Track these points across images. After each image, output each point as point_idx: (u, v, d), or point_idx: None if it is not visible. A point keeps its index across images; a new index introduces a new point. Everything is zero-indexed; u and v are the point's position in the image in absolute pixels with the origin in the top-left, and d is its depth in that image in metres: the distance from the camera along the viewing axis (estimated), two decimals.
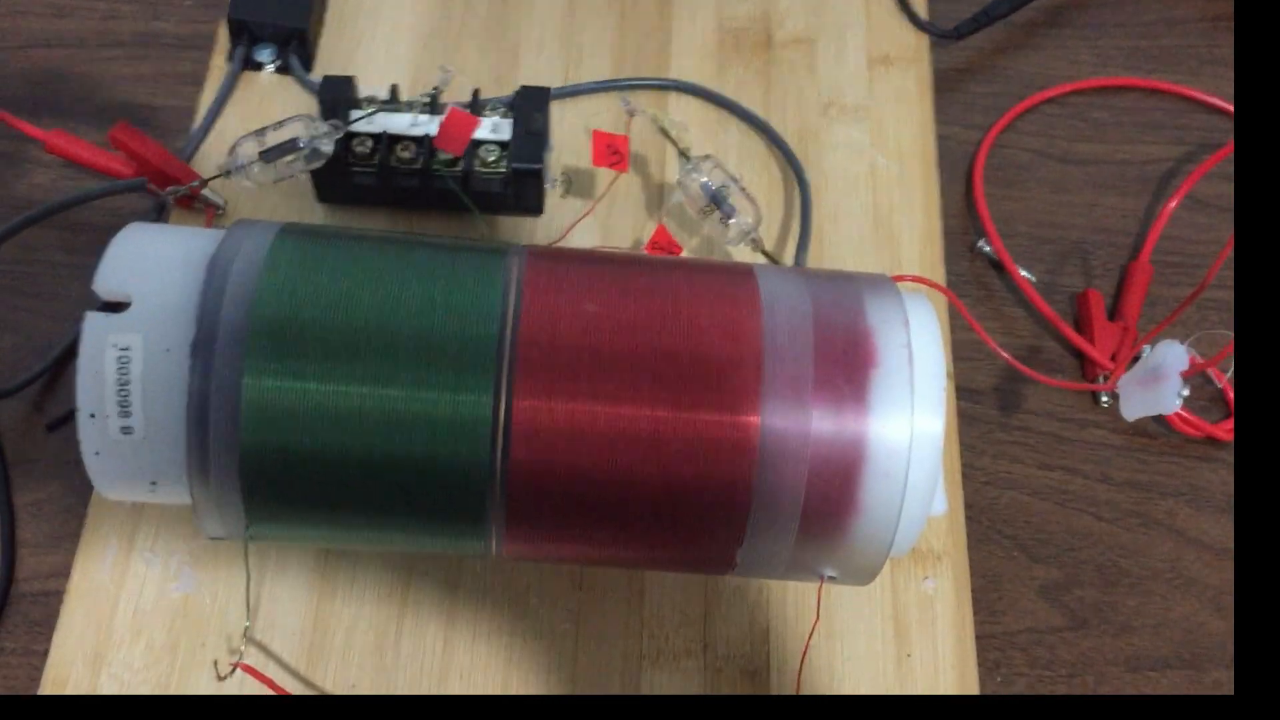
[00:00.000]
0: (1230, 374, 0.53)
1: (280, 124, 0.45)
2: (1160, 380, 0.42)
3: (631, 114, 0.49)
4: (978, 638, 0.47)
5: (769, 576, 0.40)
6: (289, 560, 0.45)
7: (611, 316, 0.37)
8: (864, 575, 0.39)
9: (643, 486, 0.36)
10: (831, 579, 0.39)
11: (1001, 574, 0.49)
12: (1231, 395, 0.53)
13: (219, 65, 0.55)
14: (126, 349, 0.35)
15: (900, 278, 0.44)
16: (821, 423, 0.36)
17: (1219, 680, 0.48)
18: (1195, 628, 0.49)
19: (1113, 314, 0.55)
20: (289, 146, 0.44)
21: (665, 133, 0.50)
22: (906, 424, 0.37)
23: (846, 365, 0.37)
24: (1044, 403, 0.53)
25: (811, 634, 0.45)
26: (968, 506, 0.50)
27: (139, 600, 0.43)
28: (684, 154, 0.49)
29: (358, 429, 0.35)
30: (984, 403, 0.53)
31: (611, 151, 0.46)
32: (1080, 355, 0.54)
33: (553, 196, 0.53)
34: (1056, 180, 0.59)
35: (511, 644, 0.44)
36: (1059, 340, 0.55)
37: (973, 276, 0.56)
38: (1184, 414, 0.52)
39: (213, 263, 0.36)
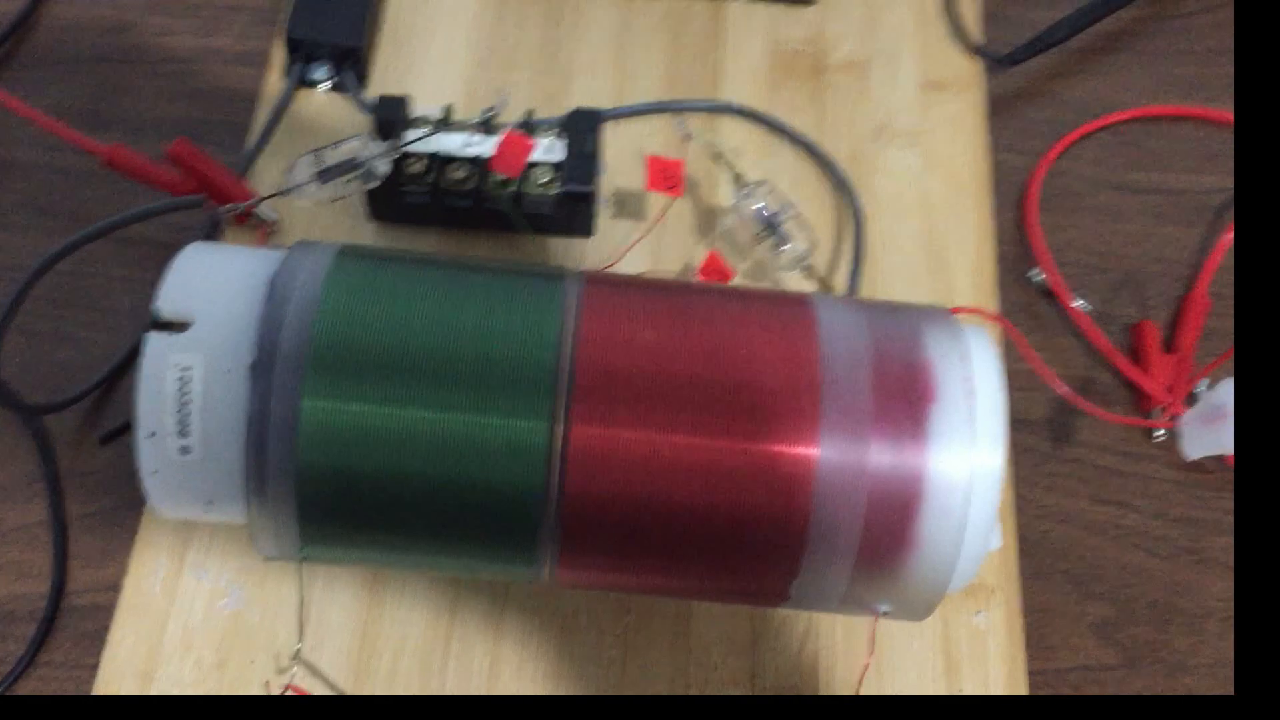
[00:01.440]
0: None
1: (338, 144, 0.45)
2: (1222, 419, 0.41)
3: (687, 138, 0.49)
4: (1029, 674, 0.46)
5: (822, 610, 0.39)
6: (337, 579, 0.45)
7: (669, 344, 0.37)
8: (920, 611, 0.39)
9: (698, 517, 0.36)
10: (886, 614, 0.39)
11: (1053, 609, 0.49)
12: None
13: (274, 82, 0.55)
14: (188, 369, 0.35)
15: (958, 310, 0.43)
16: (880, 456, 0.36)
17: None
18: None
19: (1168, 346, 0.54)
20: (346, 166, 0.44)
21: (721, 157, 0.49)
22: (967, 460, 0.36)
23: (906, 399, 0.37)
24: (1097, 435, 0.52)
25: (864, 672, 0.44)
26: (1020, 540, 0.49)
27: (189, 616, 0.43)
28: (738, 179, 0.49)
29: (413, 453, 0.35)
30: (1036, 434, 0.52)
31: (666, 176, 0.46)
32: (1134, 388, 0.53)
33: (603, 218, 0.53)
34: (1111, 208, 0.59)
35: (559, 669, 0.44)
36: (1112, 372, 0.54)
37: (1025, 305, 0.56)
38: None
39: (273, 284, 0.36)
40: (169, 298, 0.36)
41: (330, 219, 0.52)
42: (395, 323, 0.36)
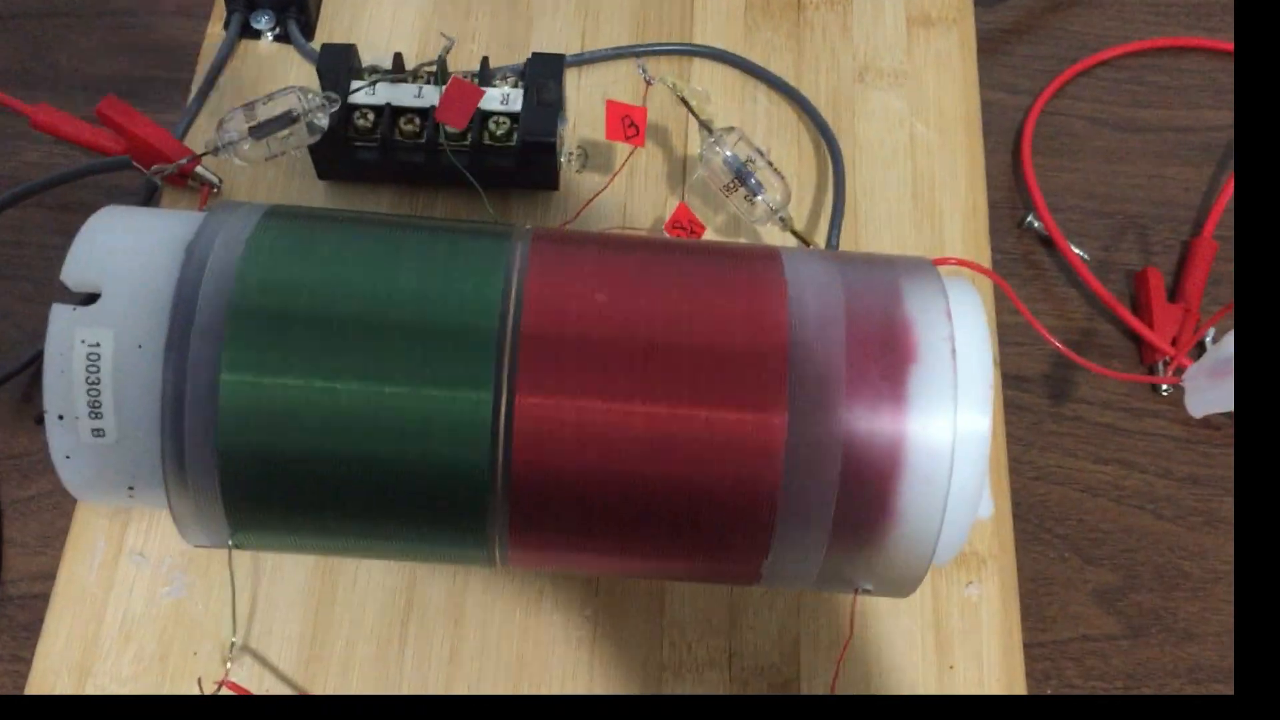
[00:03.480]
0: None
1: (271, 97, 0.42)
2: (1230, 373, 0.38)
3: (649, 82, 0.46)
4: (1026, 646, 0.43)
5: (799, 588, 0.37)
6: (287, 562, 0.42)
7: (623, 306, 0.34)
8: (903, 587, 0.36)
9: (657, 492, 0.33)
10: (867, 591, 0.36)
11: (1052, 577, 0.46)
12: None
13: (216, 34, 0.52)
14: (96, 345, 0.32)
15: (942, 261, 0.40)
16: (855, 423, 0.33)
17: None
18: None
19: (1173, 294, 0.51)
20: (281, 121, 0.41)
21: (685, 102, 0.46)
22: (949, 424, 0.33)
23: (883, 360, 0.33)
24: (1098, 391, 0.49)
25: (844, 651, 0.41)
26: (1015, 504, 0.46)
27: (128, 606, 0.41)
28: (705, 126, 0.45)
29: (345, 430, 0.32)
30: (1033, 391, 0.49)
31: (627, 124, 0.42)
32: (1138, 339, 0.50)
33: (568, 172, 0.50)
34: (1112, 149, 0.55)
35: (523, 653, 0.41)
36: (1114, 323, 0.51)
37: (1020, 254, 0.53)
38: None
39: (189, 250, 0.33)
40: (75, 267, 0.33)
41: (276, 179, 0.49)
42: (323, 289, 0.33)
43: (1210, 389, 0.39)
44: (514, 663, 0.41)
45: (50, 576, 0.42)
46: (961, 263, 0.41)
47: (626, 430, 0.33)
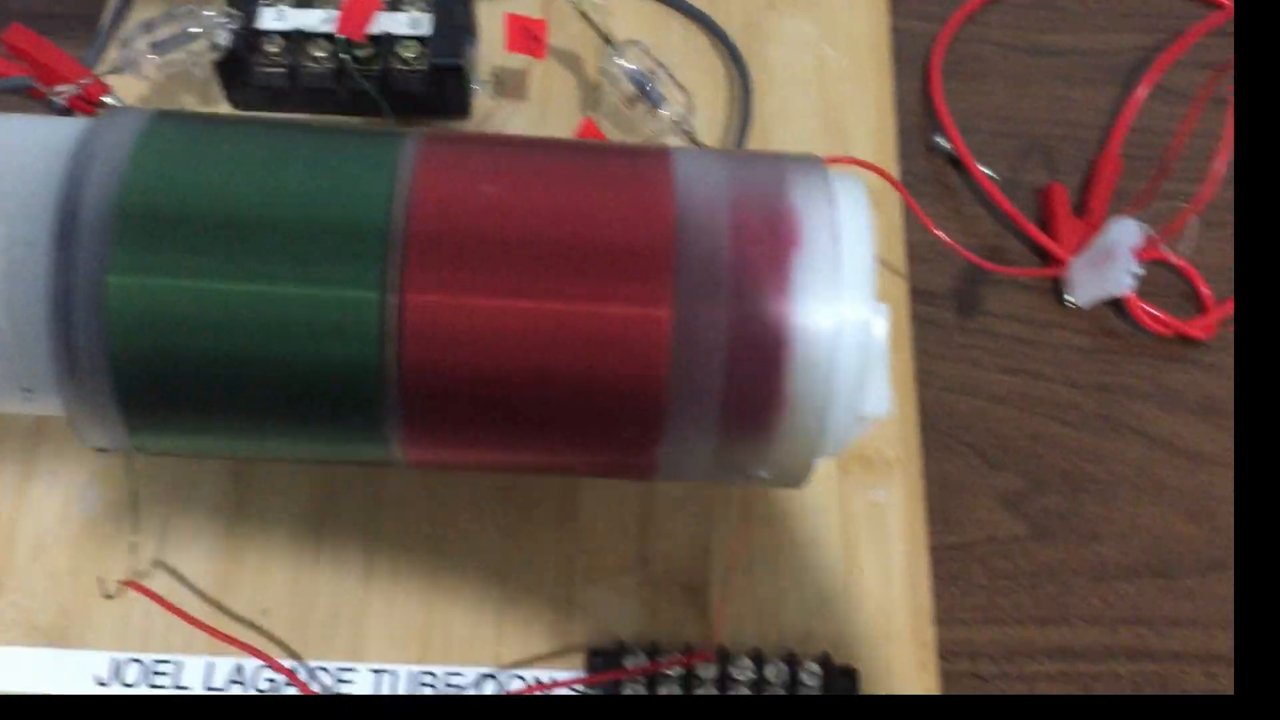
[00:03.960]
0: (1182, 251, 0.49)
1: (171, 14, 0.42)
2: (1111, 259, 0.39)
3: None
4: (933, 549, 0.44)
5: (697, 478, 0.37)
6: (200, 477, 0.42)
7: (512, 202, 0.34)
8: (797, 476, 0.37)
9: (550, 385, 0.34)
10: (764, 481, 0.37)
11: (960, 483, 0.47)
12: (1204, 290, 0.50)
13: None
14: None
15: (836, 159, 0.41)
16: (740, 309, 0.34)
17: (1190, 588, 0.45)
18: (1165, 534, 0.46)
19: (1079, 210, 0.52)
20: (181, 38, 0.41)
21: (585, 16, 0.46)
22: (833, 307, 0.34)
23: (767, 247, 0.34)
24: (1006, 304, 0.50)
25: (741, 537, 0.42)
26: (925, 414, 0.47)
27: (39, 523, 0.41)
28: (606, 40, 0.46)
29: (234, 330, 0.32)
30: (942, 306, 0.50)
31: (529, 36, 0.43)
32: (1044, 253, 0.51)
33: (483, 98, 0.50)
34: (1021, 74, 0.56)
35: (438, 564, 0.42)
36: (1022, 239, 0.52)
37: (931, 174, 0.53)
38: (1154, 311, 0.49)
39: (78, 149, 0.33)
40: None
41: (180, 103, 0.49)
42: (211, 188, 0.33)
43: (1091, 276, 0.40)
44: (429, 574, 0.42)
45: None
46: (857, 162, 0.42)
47: (516, 326, 0.33)
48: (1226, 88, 0.41)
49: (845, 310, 0.34)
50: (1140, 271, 0.40)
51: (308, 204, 0.33)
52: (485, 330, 0.33)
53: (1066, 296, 0.44)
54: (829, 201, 0.35)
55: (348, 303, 0.33)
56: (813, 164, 0.37)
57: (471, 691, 0.40)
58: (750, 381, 0.34)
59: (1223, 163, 0.38)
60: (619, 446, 0.35)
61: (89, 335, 0.32)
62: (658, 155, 0.36)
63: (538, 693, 0.39)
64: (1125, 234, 0.38)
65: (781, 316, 0.34)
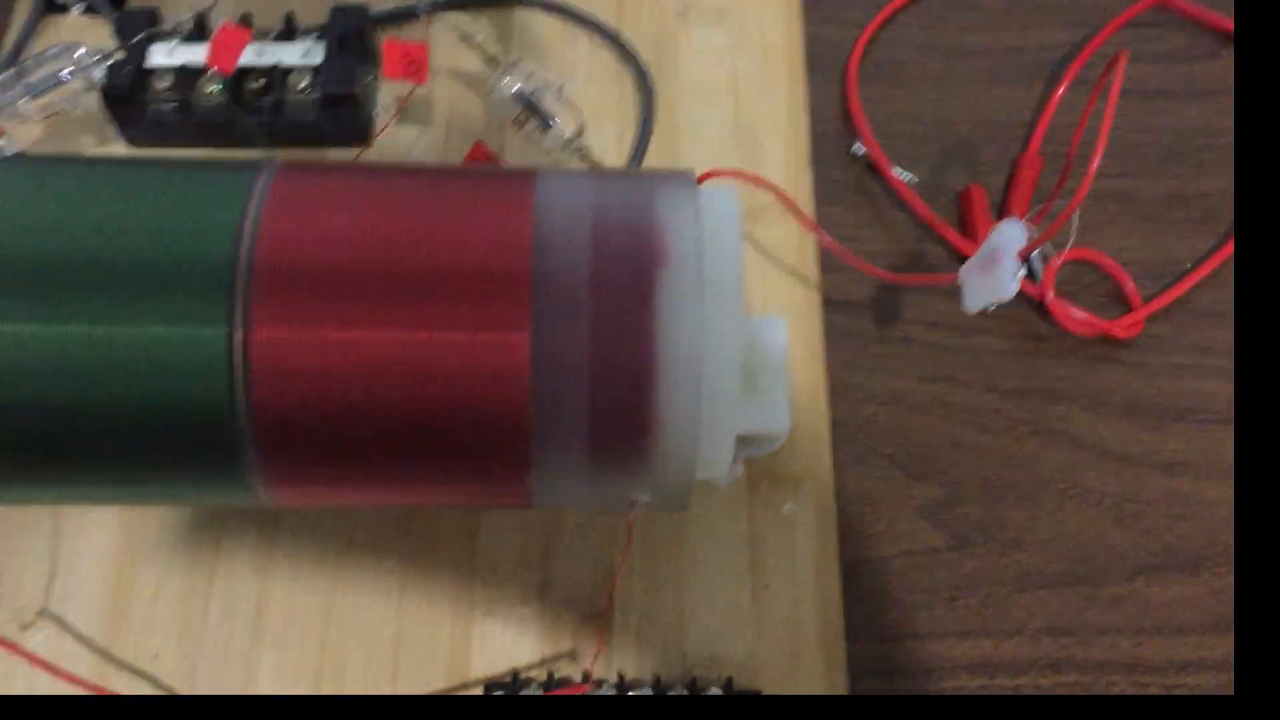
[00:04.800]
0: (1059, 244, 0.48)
1: (43, 55, 0.41)
2: (997, 263, 0.38)
3: (421, 16, 0.46)
4: (850, 564, 0.43)
5: (575, 505, 0.36)
6: (89, 522, 0.41)
7: (365, 231, 0.33)
8: (676, 499, 0.36)
9: (408, 419, 0.33)
10: (645, 505, 0.36)
11: (878, 496, 0.46)
12: (1131, 289, 0.49)
13: (23, 11, 0.51)
14: None
15: (714, 174, 0.40)
16: (602, 330, 0.33)
17: (1117, 595, 0.44)
18: (1091, 540, 0.45)
19: (1000, 211, 0.51)
20: (53, 78, 0.41)
21: (467, 39, 0.46)
22: (698, 327, 0.33)
23: (628, 266, 0.33)
24: (924, 311, 0.49)
25: (624, 561, 0.41)
26: (841, 425, 0.46)
27: None
28: (491, 60, 0.45)
29: (78, 374, 0.32)
30: (860, 316, 0.49)
31: (408, 61, 0.42)
32: (964, 258, 0.50)
33: (387, 126, 0.50)
34: (941, 75, 0.55)
35: (331, 600, 0.41)
36: (942, 244, 0.51)
37: (850, 182, 0.52)
38: (1077, 311, 0.48)
39: None
40: None
41: (83, 147, 0.48)
42: (51, 228, 0.32)
43: (979, 281, 0.39)
44: (321, 610, 0.41)
45: None
46: (756, 180, 0.41)
47: (368, 358, 0.32)
48: (1115, 75, 0.39)
49: (714, 327, 0.33)
50: (1023, 273, 0.38)
51: (151, 240, 0.32)
52: (337, 363, 0.32)
53: (963, 304, 0.43)
54: (695, 217, 0.34)
55: (191, 340, 0.32)
56: (681, 180, 0.36)
57: None
58: (616, 405, 0.33)
59: (1099, 155, 0.37)
60: (486, 477, 0.34)
61: None
62: (521, 178, 0.36)
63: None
64: (1009, 237, 0.37)
65: (645, 337, 0.33)
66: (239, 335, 0.32)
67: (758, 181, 0.42)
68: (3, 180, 0.33)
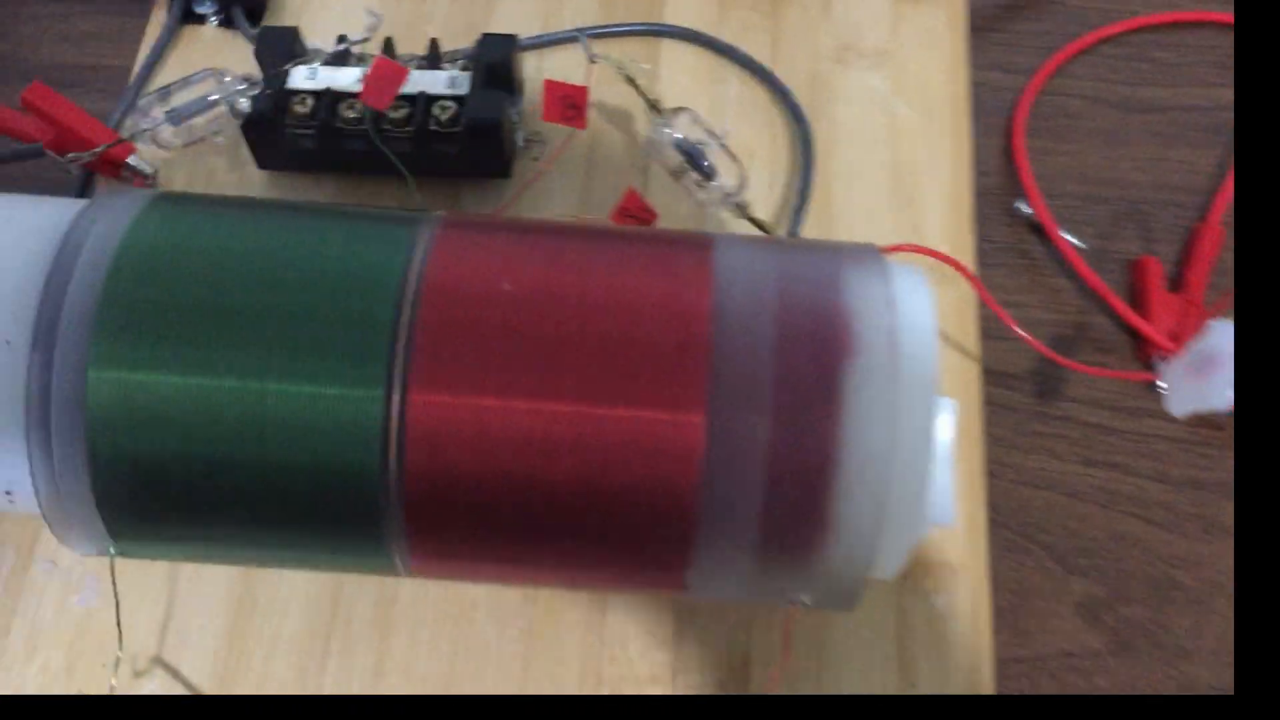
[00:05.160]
0: None
1: (188, 81, 0.40)
2: (1210, 368, 0.34)
3: (592, 60, 0.43)
4: (1001, 662, 0.40)
5: (729, 599, 0.34)
6: (205, 568, 0.40)
7: (532, 296, 0.31)
8: (842, 601, 0.33)
9: (567, 497, 0.31)
10: (804, 604, 0.33)
11: (1032, 588, 0.42)
12: None
13: (159, 20, 0.50)
14: None
15: (898, 248, 0.37)
16: (783, 422, 0.30)
17: None
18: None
19: (1175, 284, 0.48)
20: (197, 105, 0.39)
21: (631, 81, 0.43)
22: (889, 426, 0.30)
23: (815, 354, 0.30)
24: (1090, 389, 0.46)
25: (780, 666, 0.38)
26: (995, 509, 0.43)
27: (36, 615, 0.39)
28: (653, 106, 0.43)
29: (224, 430, 0.30)
30: (1019, 389, 0.46)
31: (567, 105, 0.40)
32: (1134, 333, 0.47)
33: (527, 160, 0.47)
34: (1112, 131, 0.52)
35: (452, 669, 0.39)
36: (1110, 315, 0.47)
37: (1011, 243, 0.49)
38: None
39: (65, 238, 0.31)
40: None
41: (215, 169, 0.47)
42: (205, 276, 0.31)
43: (1192, 387, 0.36)
44: (442, 678, 0.39)
45: None
46: (918, 249, 0.38)
47: (529, 429, 0.30)
48: None
49: (904, 425, 0.30)
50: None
51: (308, 296, 0.30)
52: (494, 433, 0.30)
53: (1169, 407, 0.39)
54: (887, 304, 0.31)
55: (348, 401, 0.30)
56: (870, 258, 0.33)
57: None
58: (792, 501, 0.30)
59: None
60: (643, 563, 0.32)
61: (67, 436, 0.30)
62: (698, 244, 0.33)
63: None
64: (1225, 340, 0.33)
65: (829, 431, 0.30)
66: (396, 398, 0.30)
67: (948, 261, 0.39)
68: (154, 221, 0.31)
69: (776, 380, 0.30)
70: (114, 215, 0.32)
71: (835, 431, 0.30)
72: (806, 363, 0.30)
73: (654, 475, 0.30)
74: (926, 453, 0.30)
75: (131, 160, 0.44)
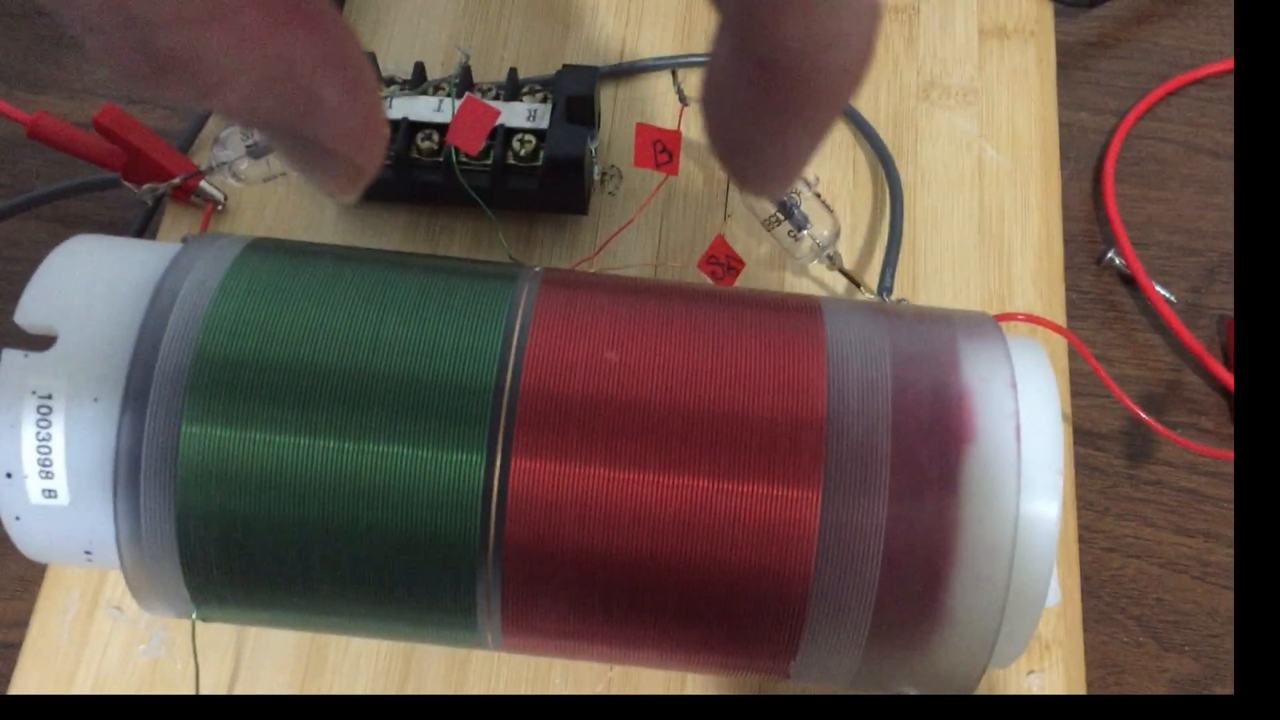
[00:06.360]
0: None
1: None
2: None
3: (684, 103, 0.42)
4: None
5: (831, 687, 0.32)
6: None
7: (638, 363, 0.30)
8: (953, 692, 0.31)
9: (668, 575, 0.29)
10: (911, 696, 0.32)
11: (1125, 665, 0.41)
12: None
13: None
14: (48, 397, 0.29)
15: (1006, 317, 0.35)
16: (899, 510, 0.29)
17: None
18: None
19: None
20: None
21: None
22: (1010, 516, 0.29)
23: (934, 437, 0.29)
24: (1183, 452, 0.44)
25: None
26: (1085, 579, 0.41)
27: (101, 663, 0.38)
28: None
29: (317, 492, 0.28)
30: (1109, 450, 0.44)
31: (659, 149, 0.38)
32: (1229, 394, 0.45)
33: (600, 195, 0.46)
34: (1205, 178, 0.50)
35: None
36: (1203, 375, 0.46)
37: (1099, 294, 0.47)
38: None
39: (157, 289, 0.30)
40: (31, 307, 0.30)
41: (286, 197, 0.45)
42: (301, 333, 0.29)
43: None
44: None
45: (23, 625, 0.39)
46: (1031, 319, 0.37)
47: (634, 503, 0.29)
48: None
49: (1026, 514, 0.29)
50: None
51: (408, 356, 0.29)
52: (597, 505, 0.29)
53: None
54: (1008, 384, 0.30)
55: (447, 467, 0.28)
56: (987, 331, 0.31)
57: None
58: (907, 591, 0.29)
59: None
60: (749, 651, 0.30)
61: (155, 498, 0.28)
62: (807, 311, 0.31)
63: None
64: None
65: (948, 520, 0.28)
66: (497, 465, 0.28)
67: (1058, 330, 0.37)
68: (249, 271, 0.30)
69: (894, 464, 0.29)
70: (207, 264, 0.30)
71: (954, 519, 0.29)
72: (924, 447, 0.29)
73: (764, 558, 0.29)
74: (1050, 543, 0.29)
75: (203, 186, 0.43)
